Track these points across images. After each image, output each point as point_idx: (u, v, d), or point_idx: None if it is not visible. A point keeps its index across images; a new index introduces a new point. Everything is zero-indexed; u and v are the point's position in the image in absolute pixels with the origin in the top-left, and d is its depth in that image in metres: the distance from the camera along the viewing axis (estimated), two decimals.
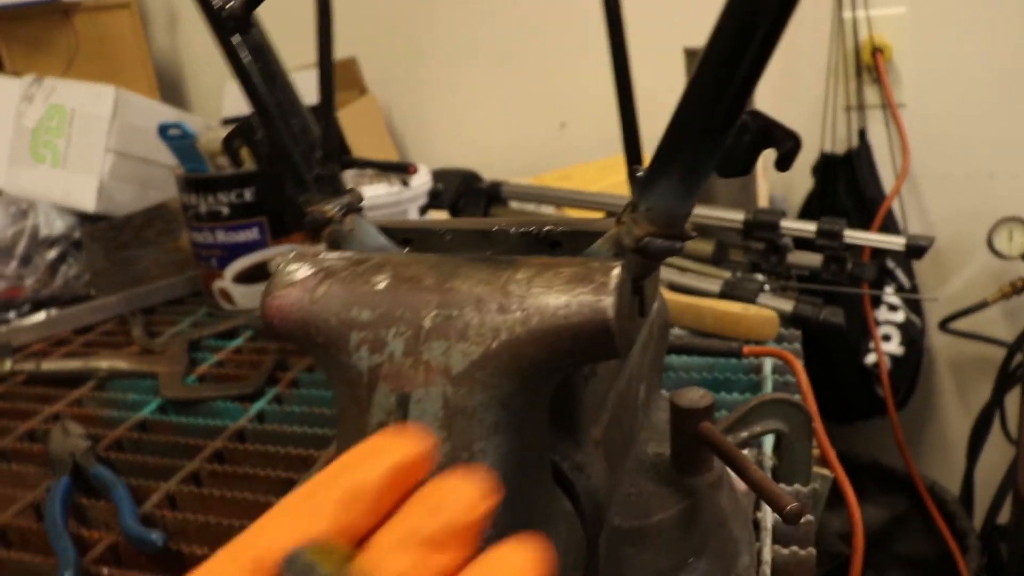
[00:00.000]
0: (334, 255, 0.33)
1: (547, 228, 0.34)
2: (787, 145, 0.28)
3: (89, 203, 1.11)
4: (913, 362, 1.25)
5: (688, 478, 0.46)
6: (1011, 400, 1.24)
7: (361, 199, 0.36)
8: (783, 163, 0.28)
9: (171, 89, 1.60)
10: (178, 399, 0.82)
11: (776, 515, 0.56)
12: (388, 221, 0.37)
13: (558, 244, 0.34)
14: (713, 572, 0.44)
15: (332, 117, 0.34)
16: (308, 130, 0.35)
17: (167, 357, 0.90)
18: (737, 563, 0.45)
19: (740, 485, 0.53)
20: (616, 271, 0.28)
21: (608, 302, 0.28)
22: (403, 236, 0.36)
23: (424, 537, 0.23)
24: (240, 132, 0.36)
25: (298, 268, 0.33)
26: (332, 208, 0.35)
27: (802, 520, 0.56)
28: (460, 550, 0.24)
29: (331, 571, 0.22)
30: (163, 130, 0.98)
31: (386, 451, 0.25)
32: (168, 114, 1.19)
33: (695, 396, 0.45)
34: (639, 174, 0.30)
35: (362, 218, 0.36)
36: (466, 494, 0.24)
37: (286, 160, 0.34)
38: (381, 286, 0.31)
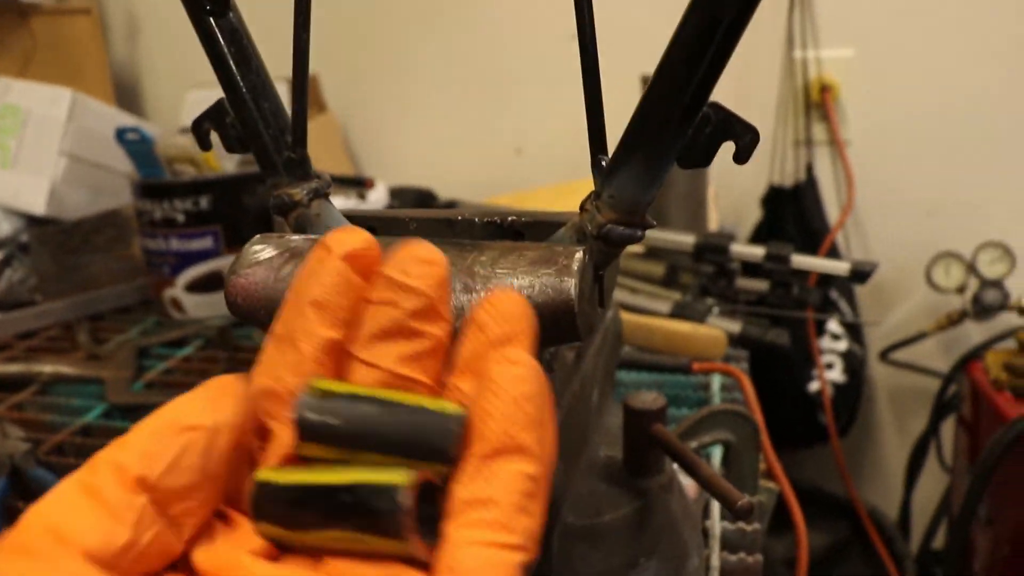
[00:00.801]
0: (299, 237, 0.33)
1: (511, 218, 0.34)
2: (746, 138, 0.30)
3: (39, 206, 1.08)
4: (855, 391, 1.29)
5: (639, 480, 0.46)
6: (946, 429, 1.27)
7: (329, 184, 0.36)
8: (741, 155, 0.30)
9: (127, 97, 1.58)
10: (125, 404, 0.80)
11: (723, 523, 0.58)
12: (352, 210, 0.37)
13: (521, 234, 0.34)
14: (663, 572, 0.44)
15: (304, 101, 0.34)
16: (279, 114, 0.36)
17: (114, 363, 0.88)
18: (687, 565, 0.46)
19: (690, 491, 0.54)
20: (579, 255, 0.29)
21: (571, 283, 0.28)
22: (368, 224, 0.36)
23: (395, 330, 0.24)
24: (210, 115, 0.36)
25: (263, 248, 0.33)
26: (300, 192, 0.35)
27: (749, 528, 0.57)
28: (433, 326, 0.25)
29: (349, 390, 0.24)
30: (120, 134, 0.97)
31: (324, 260, 0.25)
32: (124, 120, 1.18)
33: (648, 399, 0.46)
34: (603, 163, 0.31)
35: (329, 203, 0.36)
36: (417, 269, 0.25)
37: (256, 142, 0.35)
38: None
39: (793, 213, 1.31)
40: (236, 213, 1.01)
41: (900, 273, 1.33)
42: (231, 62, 0.35)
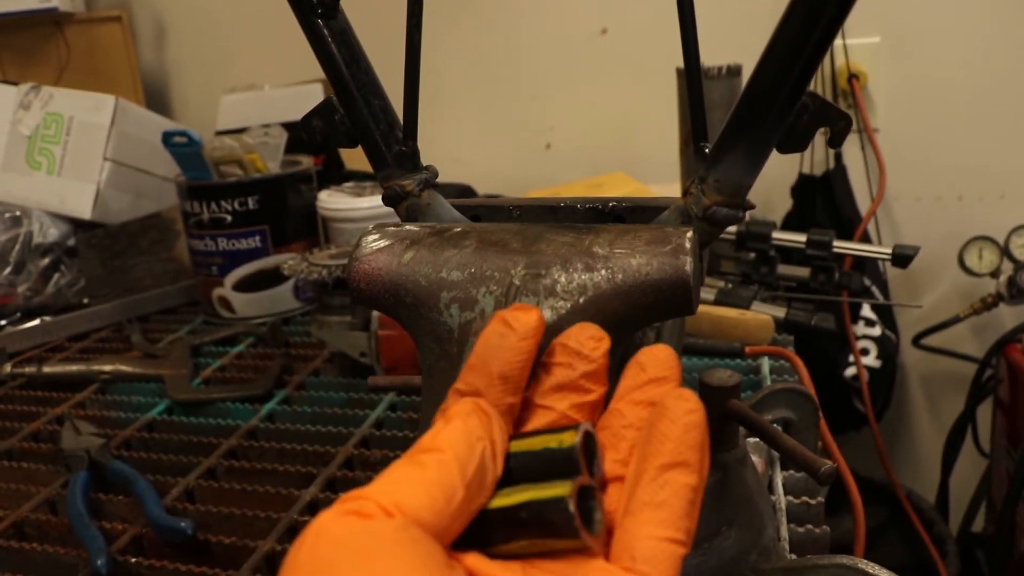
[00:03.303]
0: (414, 226, 0.35)
1: (612, 203, 0.36)
2: (840, 124, 0.31)
3: (85, 211, 1.11)
4: (889, 376, 1.30)
5: (717, 454, 0.48)
6: (981, 412, 1.28)
7: (436, 175, 0.38)
8: (835, 140, 0.32)
9: (156, 102, 1.60)
10: (187, 400, 0.82)
11: (787, 498, 0.59)
12: (455, 200, 0.39)
13: (622, 218, 0.36)
14: (743, 541, 0.46)
15: (416, 96, 0.36)
16: (388, 109, 0.37)
17: (171, 361, 0.91)
18: (763, 535, 0.48)
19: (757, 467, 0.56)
20: (690, 234, 0.31)
21: (686, 260, 0.30)
22: (472, 212, 0.38)
23: (569, 385, 0.29)
24: (319, 112, 0.38)
25: (380, 237, 0.35)
26: (411, 183, 0.37)
27: (813, 502, 0.59)
28: (598, 386, 0.30)
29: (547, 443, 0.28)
30: (167, 138, 0.99)
31: (505, 335, 0.29)
32: (163, 124, 1.20)
33: (723, 375, 0.48)
34: (706, 150, 0.33)
35: (437, 193, 0.38)
36: (589, 344, 0.29)
37: (367, 137, 0.37)
38: (469, 250, 0.33)
39: (824, 201, 1.33)
40: (282, 212, 1.03)
41: (931, 258, 1.34)
42: (341, 62, 0.37)
